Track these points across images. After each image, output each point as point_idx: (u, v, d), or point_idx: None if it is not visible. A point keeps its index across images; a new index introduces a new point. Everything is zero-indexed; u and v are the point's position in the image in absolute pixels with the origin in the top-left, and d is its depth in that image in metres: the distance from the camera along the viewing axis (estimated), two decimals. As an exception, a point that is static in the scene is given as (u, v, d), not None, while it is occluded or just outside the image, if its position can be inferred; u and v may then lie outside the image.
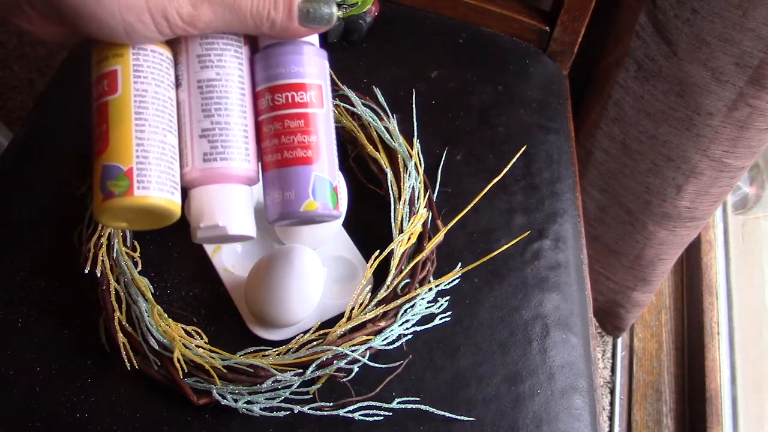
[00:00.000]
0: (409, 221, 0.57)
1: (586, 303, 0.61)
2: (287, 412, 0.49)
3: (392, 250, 0.55)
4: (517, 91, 0.72)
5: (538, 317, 0.58)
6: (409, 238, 0.56)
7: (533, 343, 0.57)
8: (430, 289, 0.56)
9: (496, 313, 0.58)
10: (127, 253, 0.54)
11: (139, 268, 0.55)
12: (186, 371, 0.48)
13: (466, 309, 0.58)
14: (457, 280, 0.58)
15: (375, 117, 0.62)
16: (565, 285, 0.61)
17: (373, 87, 0.66)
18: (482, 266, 0.60)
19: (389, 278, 0.55)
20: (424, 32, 0.76)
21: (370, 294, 0.54)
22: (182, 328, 0.51)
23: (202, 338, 0.52)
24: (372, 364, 0.52)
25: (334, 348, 0.50)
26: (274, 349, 0.51)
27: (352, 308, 0.53)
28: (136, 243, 0.56)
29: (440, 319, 0.56)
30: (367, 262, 0.55)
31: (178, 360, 0.48)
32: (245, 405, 0.48)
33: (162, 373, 0.49)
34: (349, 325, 0.51)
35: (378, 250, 0.55)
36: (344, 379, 0.52)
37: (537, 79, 0.74)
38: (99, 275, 0.52)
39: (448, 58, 0.73)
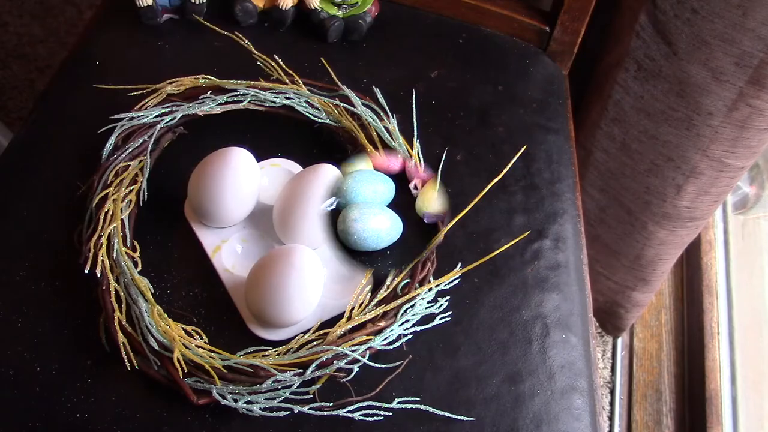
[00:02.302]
0: (409, 221, 0.57)
1: (586, 303, 0.61)
2: (287, 412, 0.49)
3: (392, 250, 0.56)
4: (517, 91, 0.72)
5: (538, 317, 0.58)
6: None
7: (533, 343, 0.57)
8: (430, 290, 0.56)
9: (496, 313, 0.58)
10: (127, 253, 0.54)
11: (139, 268, 0.55)
12: (186, 371, 0.48)
13: (466, 309, 0.58)
14: (457, 280, 0.58)
15: (375, 117, 0.62)
16: (565, 285, 0.61)
17: (373, 87, 0.66)
18: (482, 266, 0.60)
19: (389, 278, 0.55)
20: (424, 32, 0.76)
21: (370, 294, 0.54)
22: (182, 328, 0.51)
23: (202, 338, 0.52)
24: (372, 364, 0.52)
25: (334, 348, 0.50)
26: (274, 349, 0.51)
27: (352, 308, 0.53)
28: (136, 243, 0.56)
29: (440, 319, 0.56)
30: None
31: (178, 360, 0.48)
32: (245, 405, 0.48)
33: (162, 373, 0.49)
34: (349, 325, 0.51)
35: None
36: (344, 379, 0.52)
37: (537, 79, 0.74)
38: (99, 275, 0.52)
39: (448, 58, 0.73)
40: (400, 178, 0.62)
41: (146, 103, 0.63)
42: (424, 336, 0.56)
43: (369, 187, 0.57)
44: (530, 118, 0.70)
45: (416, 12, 0.77)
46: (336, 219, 0.56)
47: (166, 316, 0.51)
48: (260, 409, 0.48)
